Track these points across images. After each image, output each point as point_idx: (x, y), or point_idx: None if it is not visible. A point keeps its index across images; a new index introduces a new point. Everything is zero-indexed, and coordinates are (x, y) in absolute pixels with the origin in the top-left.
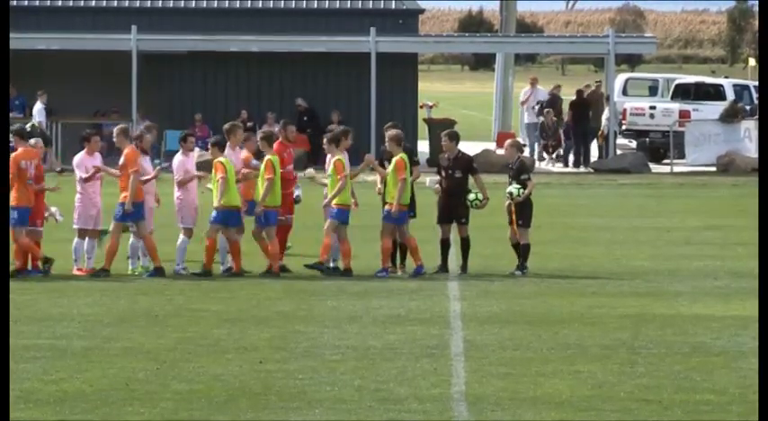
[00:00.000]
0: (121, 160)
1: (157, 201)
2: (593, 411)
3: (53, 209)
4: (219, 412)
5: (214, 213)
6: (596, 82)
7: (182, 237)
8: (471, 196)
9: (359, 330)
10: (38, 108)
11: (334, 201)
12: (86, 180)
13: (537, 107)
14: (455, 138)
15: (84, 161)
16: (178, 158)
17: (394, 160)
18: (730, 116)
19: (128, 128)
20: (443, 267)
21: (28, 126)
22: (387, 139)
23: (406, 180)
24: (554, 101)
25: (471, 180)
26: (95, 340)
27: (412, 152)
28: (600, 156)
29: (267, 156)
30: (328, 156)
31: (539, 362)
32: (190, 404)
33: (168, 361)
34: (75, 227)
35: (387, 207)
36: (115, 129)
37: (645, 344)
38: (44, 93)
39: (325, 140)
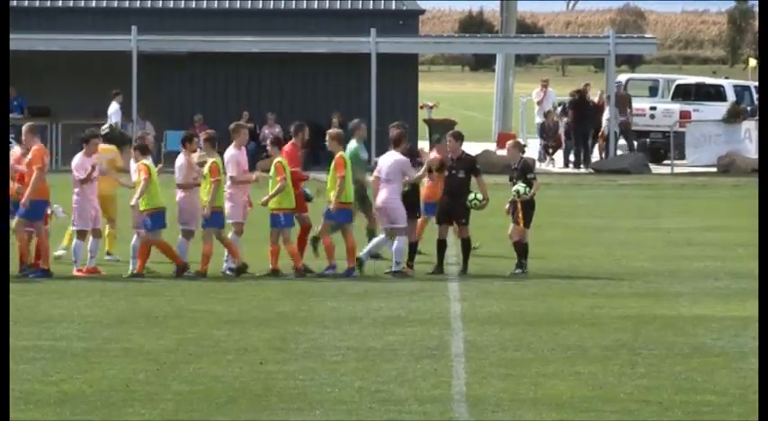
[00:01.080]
0: (29, 157)
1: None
2: (593, 412)
3: (55, 206)
4: (220, 413)
5: (148, 219)
6: (585, 85)
7: (181, 238)
8: (470, 196)
9: (359, 331)
10: (113, 109)
11: (272, 205)
12: (83, 181)
13: (560, 108)
14: (460, 138)
15: (83, 162)
16: (181, 159)
17: (334, 158)
18: (733, 117)
19: (36, 126)
20: (439, 268)
21: (105, 128)
22: (328, 138)
23: (344, 178)
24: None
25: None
26: (95, 341)
27: (414, 153)
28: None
29: (211, 159)
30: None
31: (539, 362)
32: (190, 405)
33: (168, 362)
34: (73, 228)
35: (328, 205)
36: (24, 128)
37: (645, 344)
38: (119, 92)
39: (269, 141)
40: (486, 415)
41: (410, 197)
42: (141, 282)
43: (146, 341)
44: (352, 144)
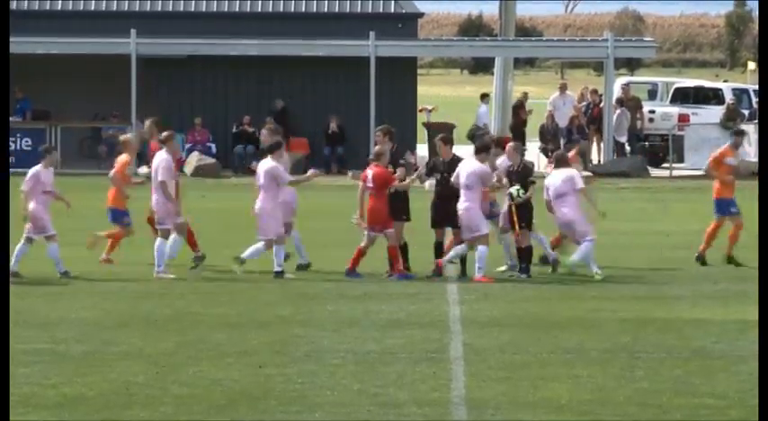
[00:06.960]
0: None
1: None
2: (592, 415)
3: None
4: (219, 416)
5: None
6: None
7: (164, 238)
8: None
9: (358, 334)
10: (483, 110)
11: None
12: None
13: (583, 107)
14: (449, 142)
15: (40, 174)
16: (161, 158)
17: None
18: (730, 120)
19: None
20: (437, 271)
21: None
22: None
23: None
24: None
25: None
26: (95, 344)
27: (398, 154)
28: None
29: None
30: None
31: (538, 365)
32: (189, 408)
33: (168, 365)
34: (27, 234)
35: None
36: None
37: (644, 348)
38: (488, 94)
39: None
40: (485, 418)
41: (398, 200)
42: (140, 285)
43: (145, 344)
44: None
